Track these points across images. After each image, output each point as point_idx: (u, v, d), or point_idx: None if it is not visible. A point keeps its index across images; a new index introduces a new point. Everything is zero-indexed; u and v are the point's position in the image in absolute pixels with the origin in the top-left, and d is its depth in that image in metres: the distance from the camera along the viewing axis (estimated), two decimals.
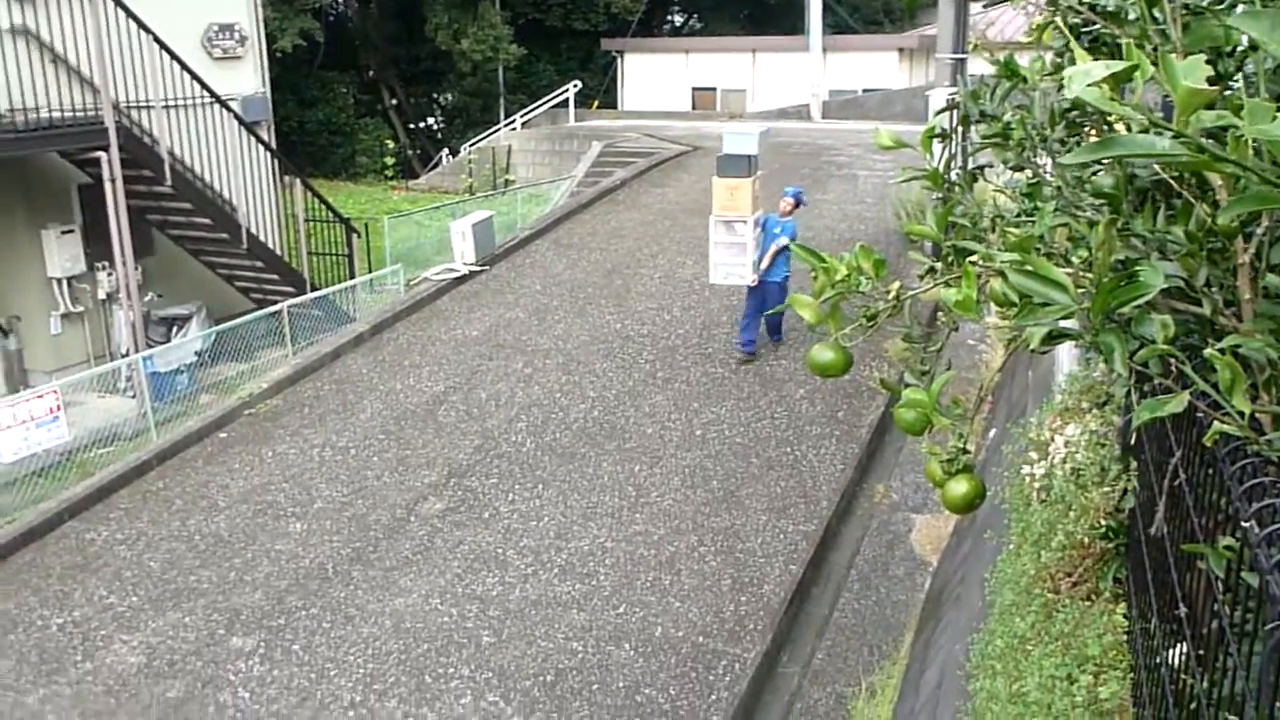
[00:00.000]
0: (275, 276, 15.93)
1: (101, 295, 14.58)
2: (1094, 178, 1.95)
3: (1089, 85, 1.38)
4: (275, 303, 14.51)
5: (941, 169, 2.22)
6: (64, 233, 14.05)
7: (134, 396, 12.91)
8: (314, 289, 16.25)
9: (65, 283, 14.23)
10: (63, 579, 9.16)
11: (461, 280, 16.05)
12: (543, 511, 9.78)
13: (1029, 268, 1.58)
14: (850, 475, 10.31)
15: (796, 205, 12.33)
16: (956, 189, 2.25)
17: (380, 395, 12.60)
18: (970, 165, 2.56)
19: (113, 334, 14.75)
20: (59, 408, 10.98)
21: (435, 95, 42.13)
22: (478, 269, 16.23)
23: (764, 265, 12.07)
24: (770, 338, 12.94)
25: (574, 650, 7.98)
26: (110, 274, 14.20)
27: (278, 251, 16.59)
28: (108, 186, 12.86)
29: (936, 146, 2.22)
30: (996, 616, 4.25)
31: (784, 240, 11.87)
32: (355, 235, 18.06)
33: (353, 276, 17.31)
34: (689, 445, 11.02)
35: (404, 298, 15.58)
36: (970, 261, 1.80)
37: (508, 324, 14.38)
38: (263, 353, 14.40)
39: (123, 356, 13.76)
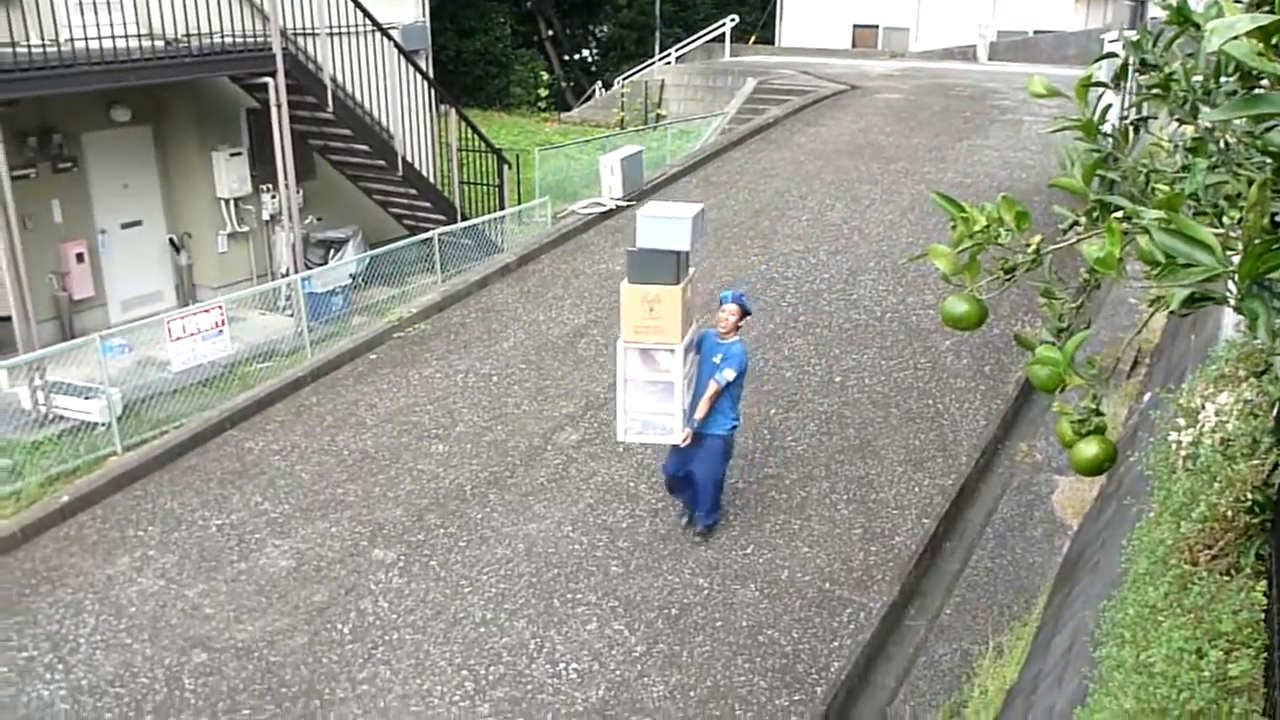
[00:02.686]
0: (428, 204, 16.33)
1: (265, 216, 15.21)
2: (1268, 134, 1.82)
3: (1233, 39, 1.28)
4: (427, 230, 14.88)
5: (1097, 119, 2.10)
6: (232, 155, 14.68)
7: (292, 315, 13.49)
8: (464, 218, 16.61)
9: (232, 203, 14.89)
10: (222, 483, 9.72)
11: (607, 215, 16.14)
12: None
13: (1174, 226, 1.49)
14: (993, 432, 10.05)
15: (743, 316, 8.22)
16: (1111, 140, 2.13)
17: (523, 325, 12.85)
18: (1135, 116, 2.42)
19: (274, 254, 15.40)
20: (223, 322, 11.55)
21: (591, 27, 42.16)
22: (624, 204, 16.28)
23: (699, 413, 8.05)
24: (696, 518, 8.67)
25: (699, 586, 8.07)
26: (273, 196, 14.80)
27: (431, 180, 16.98)
28: (273, 111, 13.34)
29: (1093, 95, 2.10)
30: (1129, 584, 4.11)
31: (728, 374, 7.99)
32: (506, 166, 18.32)
33: (502, 207, 17.61)
34: (827, 391, 10.91)
35: (550, 230, 15.78)
36: (1115, 217, 1.71)
37: None
38: (413, 278, 14.82)
39: (283, 276, 14.38)
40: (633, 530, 8.78)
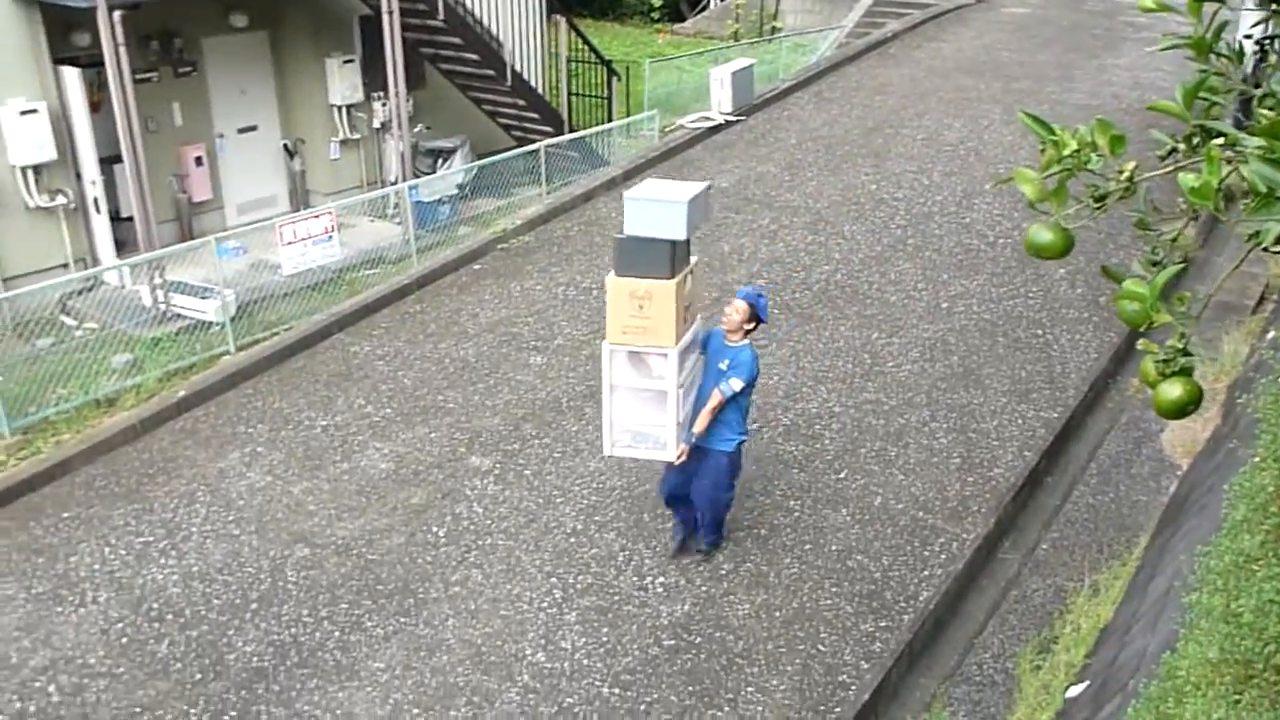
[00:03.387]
0: (536, 115, 16.27)
1: (375, 124, 15.34)
2: None
3: None
4: (534, 141, 14.84)
5: (1209, 37, 1.94)
6: (345, 63, 14.78)
7: (400, 223, 13.67)
8: (572, 130, 16.51)
9: (344, 110, 15.05)
10: (328, 385, 9.99)
11: (716, 130, 15.87)
12: (774, 370, 9.76)
13: (1276, 155, 1.36)
14: (1104, 365, 9.71)
15: (753, 321, 6.95)
16: (1225, 61, 1.96)
17: None
18: (1261, 34, 2.23)
19: (384, 162, 15.56)
20: (334, 228, 11.77)
21: None
22: (734, 119, 15.98)
23: (699, 426, 6.93)
24: (699, 539, 7.58)
25: (790, 508, 8.04)
26: (384, 104, 14.89)
27: (540, 91, 16.88)
28: (385, 19, 13.36)
29: (1207, 11, 1.93)
30: (1226, 531, 3.93)
31: (735, 384, 6.84)
32: (616, 78, 18.10)
33: (610, 120, 17.44)
34: (933, 317, 10.65)
35: (657, 144, 15.60)
36: (1215, 144, 1.58)
37: (758, 178, 14.17)
38: (519, 190, 14.84)
39: (391, 184, 14.54)
40: None
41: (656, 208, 6.57)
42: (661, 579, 7.39)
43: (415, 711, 6.38)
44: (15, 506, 8.42)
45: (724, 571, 7.43)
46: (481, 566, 7.55)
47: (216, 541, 7.88)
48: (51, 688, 6.61)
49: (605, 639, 6.89)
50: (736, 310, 6.88)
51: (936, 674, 6.78)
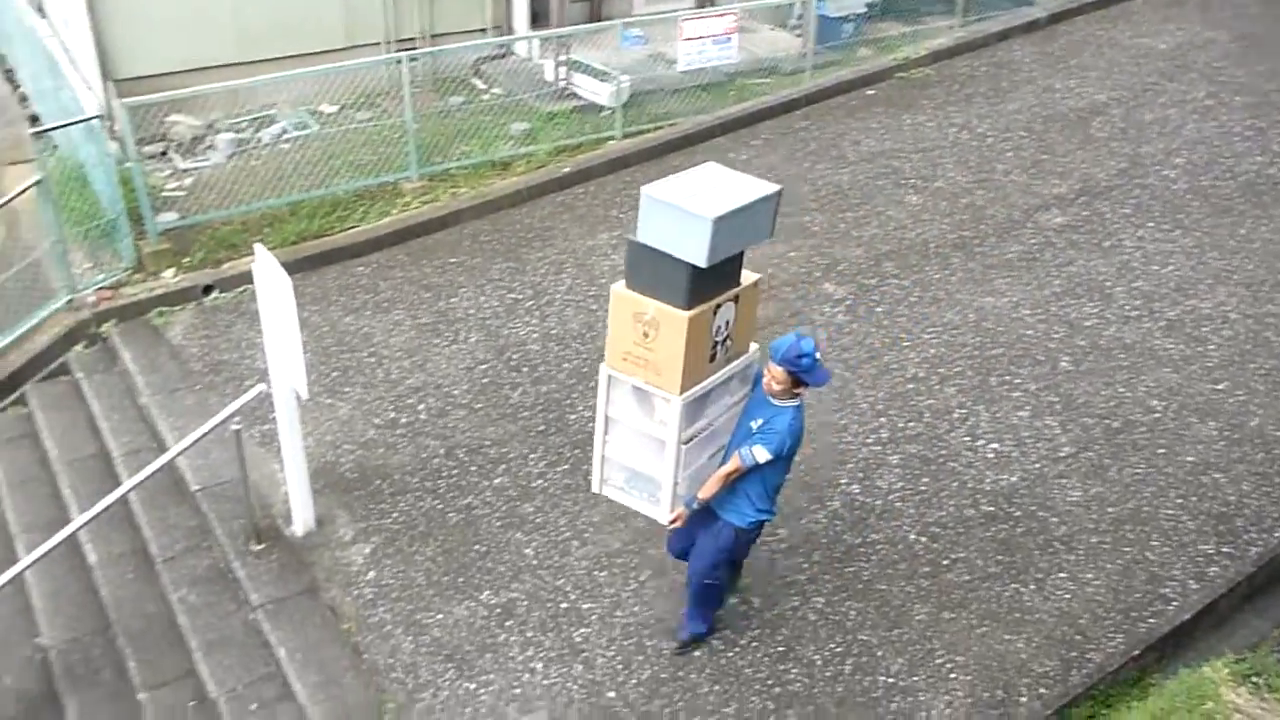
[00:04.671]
0: None
1: None
2: None
3: None
4: None
5: None
6: None
7: (800, 35, 13.36)
8: None
9: None
10: None
11: None
12: (1171, 259, 8.90)
13: None
14: None
15: (796, 381, 5.02)
16: None
17: (1035, 90, 11.87)
18: None
19: None
20: (734, 31, 11.69)
21: None
22: None
23: (705, 492, 5.24)
24: (687, 628, 5.87)
25: (1152, 408, 7.44)
26: None
27: None
28: None
29: None
30: None
31: (760, 454, 5.06)
32: None
33: None
34: None
35: None
36: None
37: (1203, 44, 12.60)
38: (930, 19, 14.04)
39: None
40: (1096, 331, 8.17)
41: (676, 217, 4.70)
42: (995, 445, 7.13)
43: None
44: (412, 245, 9.32)
45: (1063, 454, 7.05)
46: (815, 390, 7.57)
47: (576, 311, 8.38)
48: (421, 407, 7.42)
49: (923, 488, 6.79)
50: (774, 378, 5.01)
51: (1272, 617, 6.20)
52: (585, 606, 6.00)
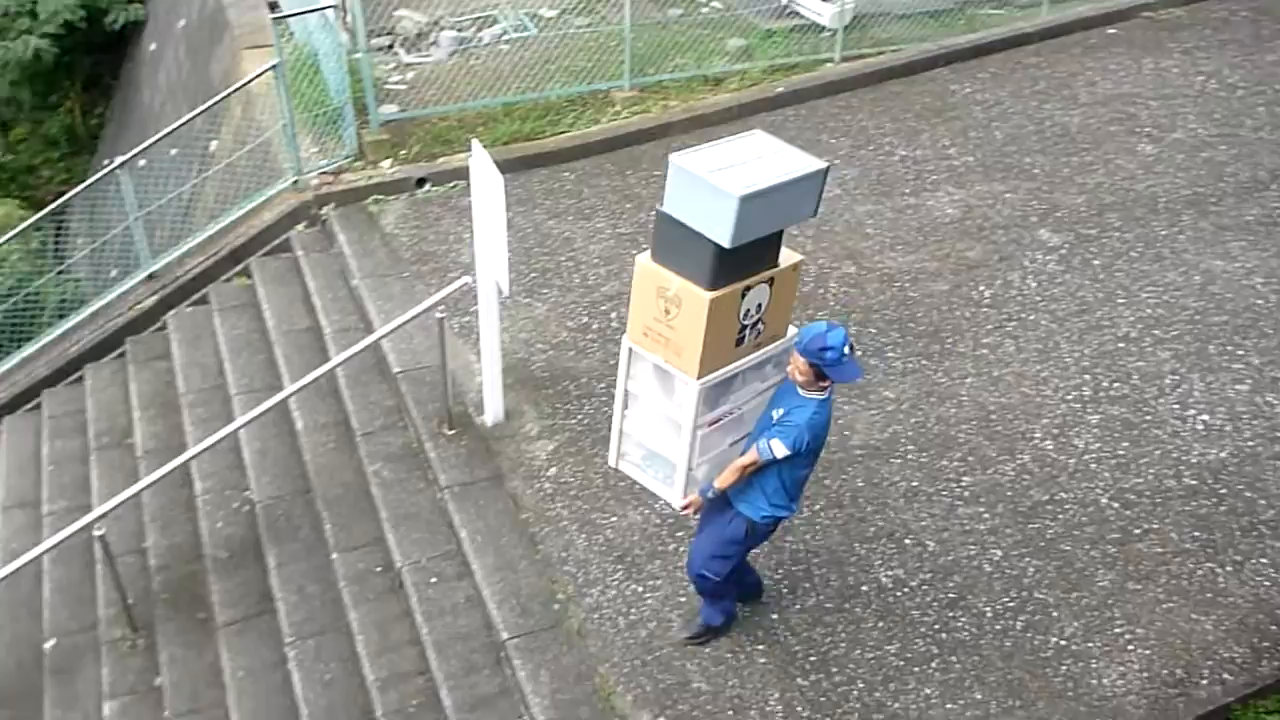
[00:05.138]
0: None
1: None
2: None
3: None
4: None
5: None
6: None
7: None
8: None
9: None
10: (918, 117, 9.80)
11: None
12: None
13: None
14: None
15: (820, 375, 4.62)
16: None
17: None
18: None
19: None
20: None
21: None
22: None
23: (722, 481, 4.91)
24: (701, 617, 5.57)
25: None
26: None
27: None
28: None
29: None
30: None
31: (777, 448, 4.71)
32: None
33: None
34: None
35: None
36: None
37: None
38: None
39: None
40: None
41: (703, 191, 4.31)
42: (1205, 417, 6.72)
43: (910, 448, 6.51)
44: (619, 154, 9.37)
45: None
46: (1017, 339, 7.30)
47: None
48: (613, 315, 7.52)
49: (1122, 453, 6.47)
50: (797, 368, 4.66)
51: None
52: None
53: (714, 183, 4.25)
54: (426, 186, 8.89)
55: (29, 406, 8.74)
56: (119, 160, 8.48)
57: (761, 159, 4.49)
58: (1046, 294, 7.69)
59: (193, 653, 6.26)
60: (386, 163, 9.07)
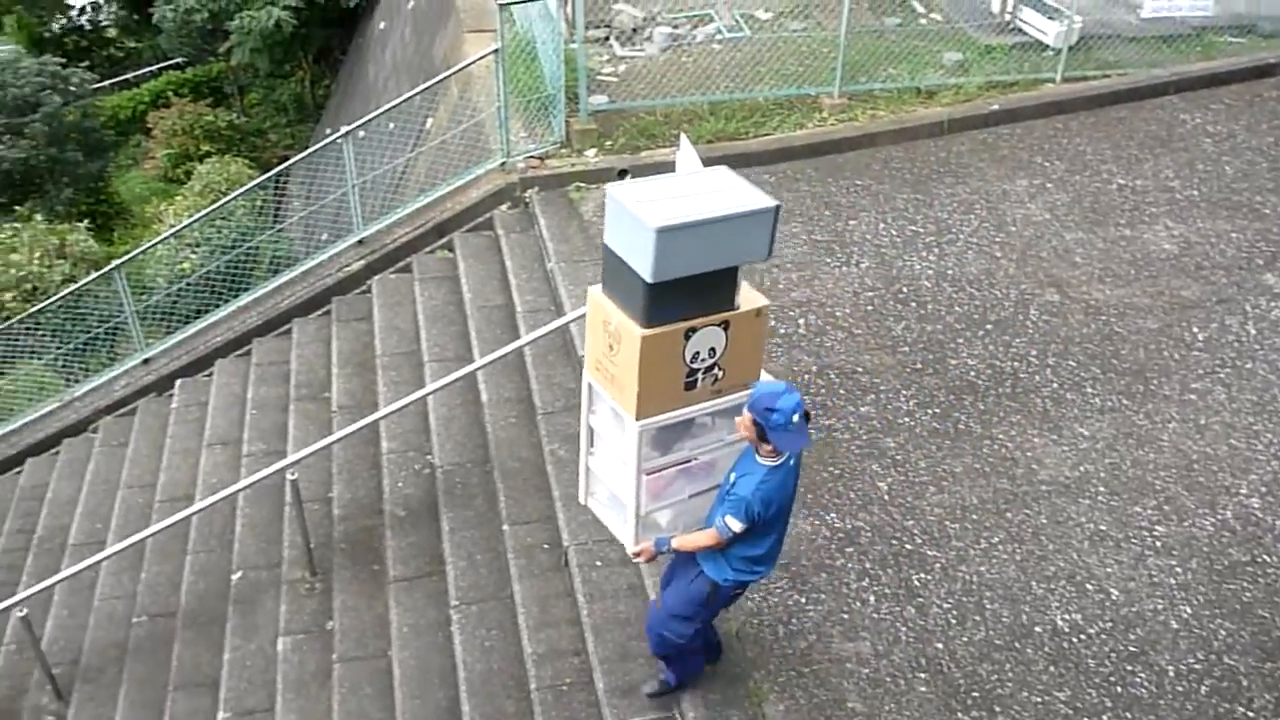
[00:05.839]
0: None
1: None
2: None
3: None
4: None
5: None
6: None
7: None
8: None
9: None
10: (1141, 146, 9.32)
11: None
12: None
13: None
14: None
15: (763, 437, 4.29)
16: None
17: None
18: None
19: None
20: None
21: None
22: None
23: (679, 543, 4.65)
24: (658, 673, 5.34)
25: None
26: None
27: None
28: None
29: None
30: None
31: (732, 525, 4.42)
32: None
33: None
34: None
35: None
36: None
37: None
38: None
39: None
40: None
41: (629, 223, 4.15)
42: None
43: (1101, 489, 6.21)
44: (821, 161, 9.26)
45: None
46: (1229, 387, 6.86)
47: (977, 255, 8.03)
48: (801, 321, 7.45)
49: None
50: (743, 424, 4.36)
51: None
52: (930, 553, 5.86)
53: (637, 214, 4.10)
54: (628, 178, 9.01)
55: (240, 352, 9.33)
56: (343, 129, 8.92)
57: (706, 194, 4.32)
58: (1267, 342, 7.20)
59: (364, 602, 6.55)
60: (591, 152, 9.24)
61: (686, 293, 4.24)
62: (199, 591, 7.34)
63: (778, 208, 4.31)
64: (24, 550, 8.88)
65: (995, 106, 9.79)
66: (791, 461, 4.43)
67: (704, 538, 4.57)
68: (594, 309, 4.55)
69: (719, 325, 4.40)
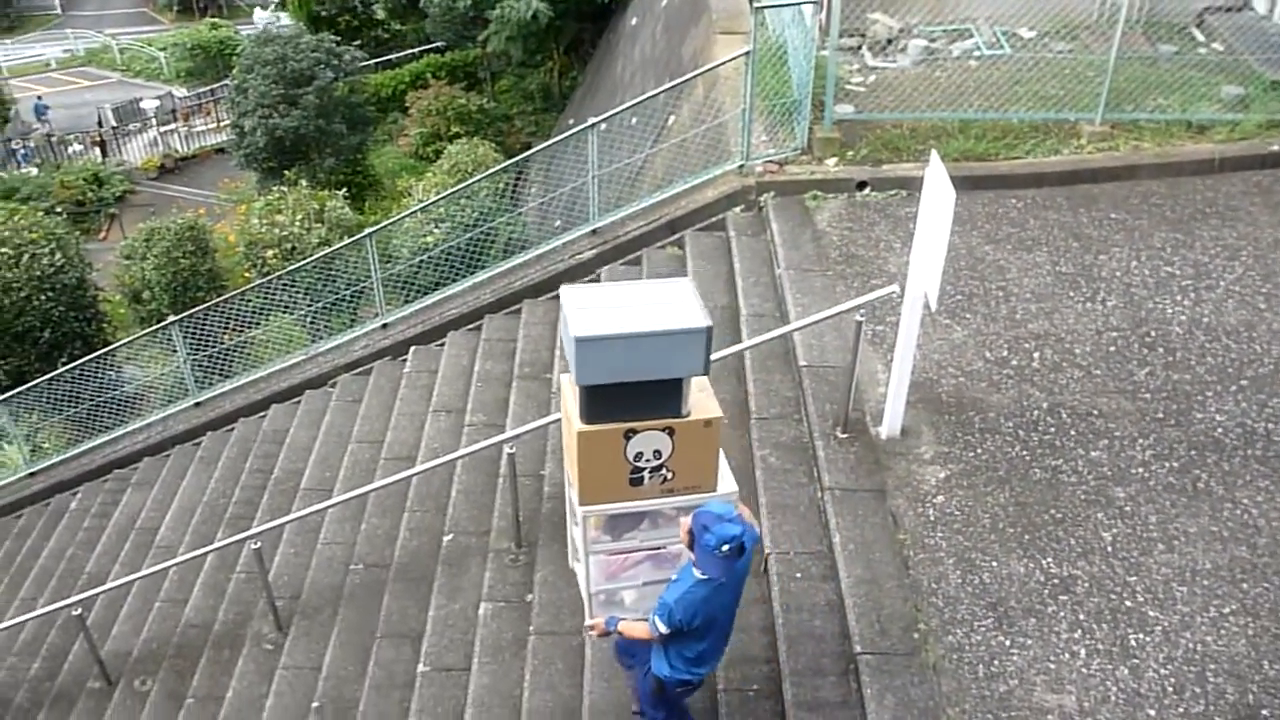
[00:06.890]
0: None
1: None
2: None
3: None
4: None
5: None
6: None
7: None
8: None
9: None
10: None
11: None
12: None
13: None
14: None
15: (690, 543, 4.55)
16: None
17: None
18: None
19: None
20: None
21: None
22: None
23: (625, 626, 4.89)
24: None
25: None
26: None
27: None
28: None
29: None
30: None
31: (660, 626, 4.63)
32: None
33: None
34: None
35: None
36: None
37: None
38: None
39: None
40: None
41: (564, 326, 4.55)
42: None
43: None
44: (1075, 190, 8.84)
45: None
46: None
47: (1238, 305, 7.47)
48: (1036, 354, 7.13)
49: None
50: (683, 526, 4.61)
51: None
52: (1151, 614, 5.50)
53: (569, 318, 4.45)
54: (867, 190, 8.87)
55: (471, 326, 9.74)
56: (591, 120, 9.16)
57: (645, 306, 4.52)
58: None
59: (564, 580, 6.71)
60: (832, 161, 9.14)
61: (627, 396, 4.50)
62: (412, 549, 7.71)
63: (709, 329, 4.47)
64: (261, 488, 9.56)
65: (1276, 147, 9.08)
66: (723, 580, 4.52)
67: (640, 629, 4.84)
68: (564, 395, 4.89)
69: (663, 430, 4.63)
